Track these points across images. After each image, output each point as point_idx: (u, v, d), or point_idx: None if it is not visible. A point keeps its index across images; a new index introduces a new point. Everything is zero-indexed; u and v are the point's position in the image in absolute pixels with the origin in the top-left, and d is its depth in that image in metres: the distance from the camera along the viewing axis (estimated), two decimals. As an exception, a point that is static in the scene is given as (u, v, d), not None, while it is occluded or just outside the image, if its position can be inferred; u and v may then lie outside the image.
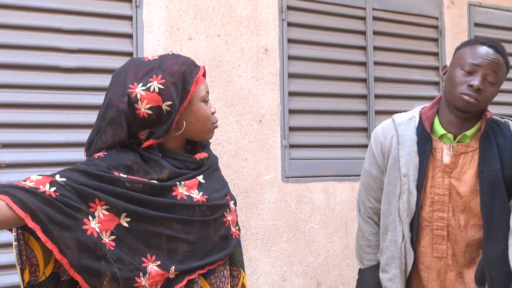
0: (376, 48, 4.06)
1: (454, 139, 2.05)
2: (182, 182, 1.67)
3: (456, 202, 2.02)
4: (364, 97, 3.99)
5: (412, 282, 2.12)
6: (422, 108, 2.16)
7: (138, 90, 1.59)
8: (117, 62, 3.21)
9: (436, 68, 4.38)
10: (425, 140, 2.06)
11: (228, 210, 1.76)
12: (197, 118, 1.70)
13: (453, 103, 2.00)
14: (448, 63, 4.37)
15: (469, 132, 2.04)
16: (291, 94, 3.73)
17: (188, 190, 1.66)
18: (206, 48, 3.45)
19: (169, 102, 1.60)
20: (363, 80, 4.01)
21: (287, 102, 3.69)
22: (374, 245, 2.24)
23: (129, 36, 3.25)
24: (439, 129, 2.07)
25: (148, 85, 1.60)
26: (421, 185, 2.04)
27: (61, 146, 3.04)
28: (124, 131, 1.60)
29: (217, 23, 3.49)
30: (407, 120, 2.12)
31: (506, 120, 2.09)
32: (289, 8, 3.73)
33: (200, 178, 1.72)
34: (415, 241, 2.07)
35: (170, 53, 1.71)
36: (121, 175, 1.54)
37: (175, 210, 1.60)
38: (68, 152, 3.05)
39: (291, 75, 3.74)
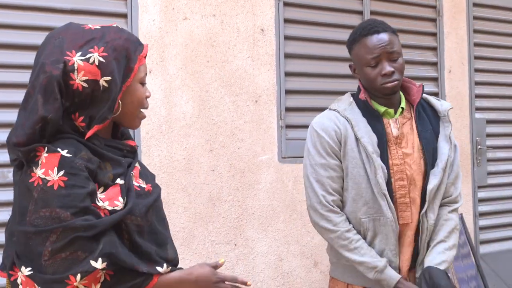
0: (373, 28, 4.03)
1: (394, 113, 2.23)
2: (133, 172, 1.63)
3: (410, 167, 2.18)
4: (361, 77, 3.97)
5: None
6: (352, 95, 2.32)
7: (76, 59, 1.50)
8: (112, 42, 3.21)
9: (434, 49, 4.36)
10: (375, 118, 2.21)
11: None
12: (132, 99, 1.61)
13: (380, 92, 2.17)
14: (446, 43, 4.35)
15: (403, 104, 2.24)
16: (287, 74, 3.71)
17: (136, 180, 1.63)
18: (201, 28, 3.43)
19: (108, 78, 1.51)
20: (361, 61, 3.98)
21: (283, 83, 3.68)
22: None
23: (123, 15, 3.23)
24: (380, 107, 2.22)
25: (87, 56, 1.51)
26: (385, 162, 2.16)
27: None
28: (57, 103, 1.48)
29: (213, 3, 3.47)
30: (348, 106, 2.25)
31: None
32: (286, -13, 3.71)
33: (138, 165, 1.68)
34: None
35: (114, 25, 1.62)
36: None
37: None
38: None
39: (288, 55, 3.72)
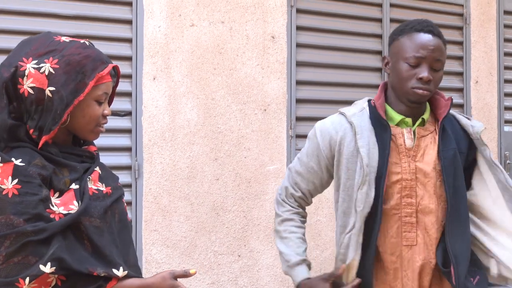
0: (393, 36, 3.91)
1: (413, 123, 2.01)
2: (90, 177, 1.64)
3: (424, 185, 1.98)
4: (378, 87, 3.85)
5: (378, 275, 2.02)
6: (369, 100, 2.09)
7: (29, 66, 1.55)
8: (117, 48, 3.21)
9: (460, 58, 4.20)
10: (382, 128, 1.99)
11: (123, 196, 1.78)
12: (83, 114, 1.63)
13: (405, 97, 1.96)
14: (473, 53, 4.18)
15: (426, 116, 2.02)
16: (299, 83, 3.64)
17: (95, 184, 1.65)
18: (209, 35, 3.39)
19: (52, 88, 1.54)
20: (379, 70, 3.87)
21: (294, 91, 3.60)
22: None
23: (128, 22, 3.23)
24: (396, 115, 2.00)
25: (40, 65, 1.55)
26: (382, 176, 1.96)
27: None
28: (3, 102, 1.54)
29: (221, 9, 3.43)
30: (359, 112, 2.04)
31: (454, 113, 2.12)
32: (299, -6, 3.64)
33: (98, 169, 1.69)
34: (376, 235, 1.97)
35: (85, 42, 1.65)
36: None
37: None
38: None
39: (299, 63, 3.65)
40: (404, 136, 2.00)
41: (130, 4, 3.23)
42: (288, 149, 3.58)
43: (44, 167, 1.54)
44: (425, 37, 1.92)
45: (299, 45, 3.64)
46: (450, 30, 4.16)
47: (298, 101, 3.64)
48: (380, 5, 3.87)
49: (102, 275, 1.53)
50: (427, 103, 2.07)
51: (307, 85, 3.68)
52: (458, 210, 1.98)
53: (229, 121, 3.42)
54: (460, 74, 4.18)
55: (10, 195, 1.48)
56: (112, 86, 1.69)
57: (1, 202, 1.48)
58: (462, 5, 4.17)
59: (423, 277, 1.99)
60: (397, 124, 2.01)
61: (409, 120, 2.00)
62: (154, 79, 3.24)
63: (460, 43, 4.19)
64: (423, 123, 2.03)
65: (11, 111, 1.57)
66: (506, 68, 4.36)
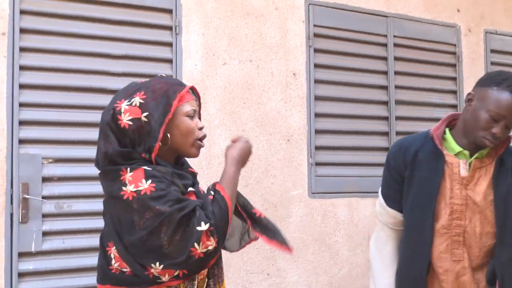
0: (397, 73, 4.32)
1: (470, 156, 2.26)
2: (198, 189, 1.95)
3: (473, 211, 2.25)
4: (386, 118, 4.24)
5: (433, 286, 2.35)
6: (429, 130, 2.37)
7: (123, 105, 1.82)
8: (158, 85, 3.50)
9: (454, 92, 4.61)
10: (436, 157, 2.28)
11: None
12: (180, 131, 1.87)
13: (473, 139, 2.21)
14: (465, 87, 4.60)
15: (485, 151, 2.27)
16: (317, 115, 3.99)
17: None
18: (239, 72, 3.73)
19: (146, 113, 1.80)
20: (385, 103, 4.26)
21: (313, 123, 3.95)
22: None
23: (169, 61, 3.54)
24: (455, 147, 2.28)
25: (131, 101, 1.83)
26: (433, 199, 2.28)
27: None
28: (112, 140, 1.82)
29: (249, 49, 3.78)
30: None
31: None
32: (316, 35, 4.01)
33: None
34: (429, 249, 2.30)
35: (161, 75, 1.96)
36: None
37: None
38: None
39: (317, 98, 4.00)
40: (460, 166, 2.25)
41: (170, 45, 3.54)
42: (309, 175, 3.91)
43: (165, 173, 1.80)
44: (510, 98, 2.13)
45: (317, 81, 4.00)
46: (445, 66, 4.59)
47: (317, 131, 3.98)
48: (385, 45, 4.28)
49: None
50: None
51: (324, 117, 4.04)
52: (507, 237, 2.22)
53: (257, 150, 3.74)
54: (454, 106, 4.58)
55: (148, 193, 1.72)
56: (197, 105, 1.96)
57: (144, 201, 1.72)
58: (455, 45, 4.61)
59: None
60: (456, 155, 2.27)
61: (467, 152, 2.25)
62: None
63: (454, 79, 4.61)
64: (481, 156, 2.26)
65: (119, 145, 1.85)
66: (494, 101, 4.80)
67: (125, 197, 1.75)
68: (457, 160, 2.26)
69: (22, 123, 3.13)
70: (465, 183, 2.25)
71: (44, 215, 3.15)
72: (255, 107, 3.77)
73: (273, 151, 3.80)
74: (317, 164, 3.97)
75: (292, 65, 3.91)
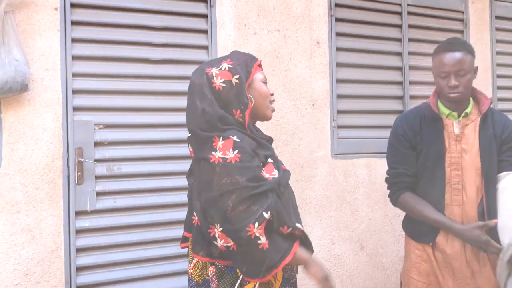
0: (410, 40, 4.57)
1: (458, 116, 2.73)
2: (276, 156, 2.21)
3: (466, 162, 2.71)
4: (400, 83, 4.51)
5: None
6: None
7: (213, 70, 2.08)
8: (195, 55, 3.72)
9: (462, 57, 4.87)
10: (436, 120, 2.76)
11: None
12: (259, 93, 2.15)
13: (445, 99, 2.72)
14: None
15: (469, 110, 2.74)
16: (338, 81, 4.24)
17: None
18: (268, 42, 3.95)
19: (237, 75, 2.07)
20: (399, 69, 4.52)
21: (335, 88, 4.20)
22: None
23: (205, 31, 3.76)
24: (445, 110, 2.75)
25: (220, 67, 2.09)
26: (442, 153, 2.73)
27: (153, 127, 3.56)
28: (208, 99, 2.04)
29: (277, 20, 4.00)
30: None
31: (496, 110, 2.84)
32: (337, 5, 4.24)
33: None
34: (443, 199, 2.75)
35: (234, 51, 2.24)
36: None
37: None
38: (157, 132, 3.57)
39: (339, 65, 4.25)
40: (453, 125, 2.73)
41: (205, 16, 3.75)
42: (332, 138, 4.18)
43: (251, 144, 2.05)
44: (447, 56, 2.64)
45: (338, 49, 4.25)
46: (453, 33, 4.83)
47: (339, 96, 4.24)
48: (399, 13, 4.52)
49: (291, 226, 2.02)
50: (471, 100, 2.77)
51: (345, 83, 4.29)
52: (491, 179, 2.68)
53: (285, 115, 4.00)
54: (462, 71, 4.86)
55: (233, 161, 1.96)
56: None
57: (227, 167, 1.95)
58: (463, 12, 4.86)
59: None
60: (447, 116, 2.73)
61: (455, 114, 2.73)
62: (226, 80, 3.78)
63: (462, 45, 4.87)
64: (466, 115, 2.73)
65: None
66: (498, 65, 5.07)
67: (211, 160, 1.99)
68: (451, 121, 2.73)
69: (75, 92, 3.35)
70: (458, 139, 2.72)
71: (97, 177, 3.40)
72: (283, 74, 4.01)
73: (299, 115, 4.06)
74: (339, 127, 4.23)
75: (316, 34, 4.15)
